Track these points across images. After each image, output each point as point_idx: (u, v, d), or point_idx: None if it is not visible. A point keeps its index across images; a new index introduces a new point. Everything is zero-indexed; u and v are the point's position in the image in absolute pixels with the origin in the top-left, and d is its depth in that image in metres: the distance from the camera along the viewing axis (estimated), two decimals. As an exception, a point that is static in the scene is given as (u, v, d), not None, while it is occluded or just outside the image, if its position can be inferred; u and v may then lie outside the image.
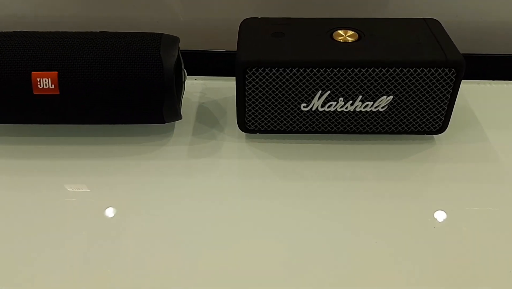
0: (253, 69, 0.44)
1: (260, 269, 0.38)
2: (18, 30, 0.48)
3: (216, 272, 0.37)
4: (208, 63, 0.63)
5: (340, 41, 0.46)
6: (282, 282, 0.37)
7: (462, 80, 0.44)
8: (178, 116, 0.48)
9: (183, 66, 0.51)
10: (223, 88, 0.56)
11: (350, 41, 0.46)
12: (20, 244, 0.39)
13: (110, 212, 0.42)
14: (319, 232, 0.40)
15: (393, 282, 0.37)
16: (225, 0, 0.61)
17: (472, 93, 0.55)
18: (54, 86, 0.44)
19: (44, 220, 0.41)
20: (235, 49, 0.46)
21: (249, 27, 0.48)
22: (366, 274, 0.37)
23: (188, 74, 0.53)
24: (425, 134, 0.48)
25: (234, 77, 0.45)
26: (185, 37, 0.66)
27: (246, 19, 0.50)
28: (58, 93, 0.44)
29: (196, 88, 0.57)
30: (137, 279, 0.37)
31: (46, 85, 0.44)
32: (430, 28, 0.48)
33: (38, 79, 0.44)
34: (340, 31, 0.47)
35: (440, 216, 0.42)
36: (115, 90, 0.44)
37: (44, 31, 0.47)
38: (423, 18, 0.49)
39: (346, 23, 0.48)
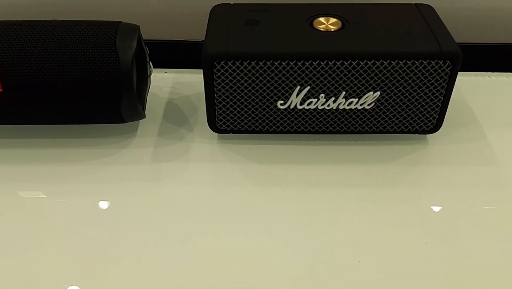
0: (222, 63, 0.38)
1: (233, 281, 0.33)
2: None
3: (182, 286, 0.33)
4: (181, 54, 0.58)
5: (321, 30, 0.40)
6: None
7: (458, 73, 0.39)
8: (140, 115, 0.43)
9: (148, 59, 0.45)
10: (196, 82, 0.51)
11: (332, 30, 0.40)
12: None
13: (65, 223, 0.37)
14: (298, 242, 0.36)
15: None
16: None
17: (469, 86, 0.50)
18: (-4, 82, 0.39)
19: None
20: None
21: (219, 14, 0.43)
22: (352, 284, 0.33)
23: (158, 67, 0.47)
24: (417, 134, 0.43)
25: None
26: (157, 26, 0.61)
27: (216, 5, 0.44)
28: (1, 91, 0.39)
29: (166, 82, 0.51)
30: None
31: (-14, 82, 0.39)
32: (423, 15, 0.42)
33: (-23, 75, 0.38)
34: (322, 19, 0.41)
35: (433, 225, 0.37)
36: (65, 87, 0.39)
37: (-13, 21, 0.42)
38: (415, 4, 0.44)
39: (328, 10, 0.43)
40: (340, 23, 0.41)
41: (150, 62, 0.46)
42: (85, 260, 0.35)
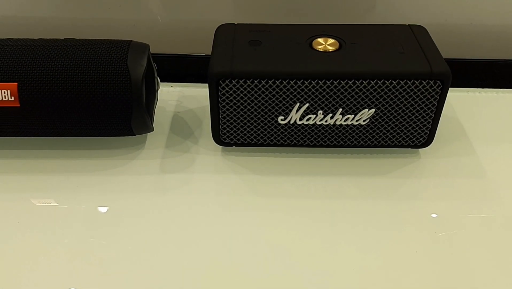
0: (227, 81, 0.41)
1: (234, 287, 0.35)
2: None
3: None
4: (186, 68, 0.60)
5: (320, 51, 0.43)
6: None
7: (450, 88, 0.42)
8: (149, 129, 0.45)
9: (155, 74, 0.48)
10: (201, 96, 0.54)
11: (330, 50, 0.43)
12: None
13: (77, 231, 0.40)
14: (295, 249, 0.38)
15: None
16: (206, 1, 0.58)
17: (460, 102, 0.53)
18: (14, 98, 0.41)
19: (8, 237, 0.39)
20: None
21: (224, 34, 0.46)
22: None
23: (164, 81, 0.50)
24: (409, 148, 0.46)
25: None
26: (163, 40, 0.63)
27: (221, 25, 0.47)
28: (18, 105, 0.41)
29: (172, 96, 0.54)
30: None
31: (5, 97, 0.41)
32: (416, 36, 0.45)
33: (-3, 91, 0.41)
34: (320, 39, 0.44)
35: (424, 234, 0.39)
36: (79, 103, 0.41)
37: (4, 38, 0.44)
38: (409, 25, 0.47)
39: (327, 30, 0.45)
40: (338, 43, 0.44)
41: (158, 77, 0.48)
42: (95, 264, 0.37)
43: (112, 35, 0.61)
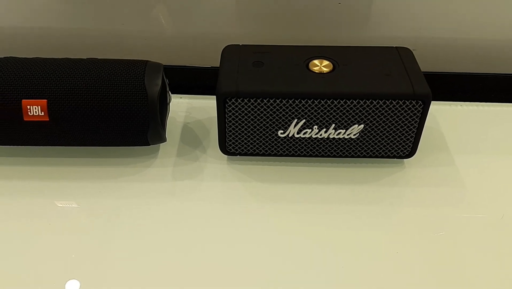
0: (233, 99, 0.46)
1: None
2: (8, 54, 0.50)
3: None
4: (194, 80, 0.65)
5: (316, 72, 0.48)
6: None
7: (434, 102, 0.47)
8: (163, 140, 0.50)
9: (167, 89, 0.53)
10: (207, 107, 0.59)
11: (325, 71, 0.48)
12: (8, 263, 0.42)
13: (98, 232, 0.45)
14: (293, 249, 0.44)
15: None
16: (212, 15, 0.63)
17: (443, 115, 0.58)
18: (44, 113, 0.46)
19: (31, 240, 0.44)
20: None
21: (230, 55, 0.51)
22: (337, 284, 0.41)
23: (173, 92, 0.55)
24: (395, 159, 0.51)
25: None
26: (172, 52, 0.68)
27: (227, 46, 0.52)
28: (48, 120, 0.47)
29: (181, 107, 0.59)
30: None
31: (36, 113, 0.46)
32: (402, 58, 0.50)
33: (28, 107, 0.46)
34: (316, 61, 0.49)
35: (405, 237, 0.45)
36: (101, 118, 0.47)
37: (34, 58, 0.49)
38: (396, 47, 0.52)
39: (322, 52, 0.50)
40: (332, 65, 0.49)
41: (170, 91, 0.53)
42: (110, 264, 0.43)
43: (124, 47, 0.66)
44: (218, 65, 0.50)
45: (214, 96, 0.47)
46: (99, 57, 0.51)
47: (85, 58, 0.50)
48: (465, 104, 0.60)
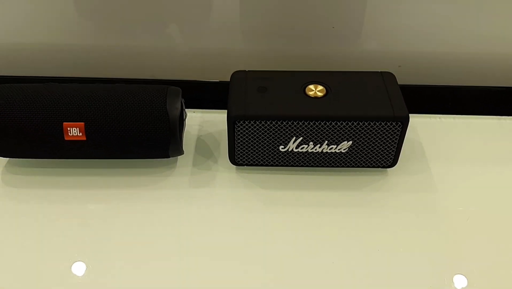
0: (241, 121, 0.55)
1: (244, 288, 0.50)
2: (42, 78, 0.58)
3: None
4: (205, 94, 0.74)
5: (311, 96, 0.56)
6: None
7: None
8: (181, 153, 0.59)
9: (184, 107, 0.61)
10: (218, 120, 0.67)
11: (319, 96, 0.57)
12: (27, 265, 0.51)
13: (124, 235, 0.54)
14: (296, 249, 0.52)
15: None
16: (222, 32, 0.72)
17: (423, 127, 0.66)
18: (82, 134, 0.55)
19: (59, 243, 0.53)
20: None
21: (238, 80, 0.59)
22: (329, 277, 0.50)
23: (186, 107, 0.63)
24: (379, 168, 0.60)
25: (226, 110, 0.56)
26: (184, 66, 0.76)
27: (235, 72, 0.60)
28: (85, 139, 0.55)
29: (195, 121, 0.68)
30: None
31: (75, 133, 0.55)
32: (385, 82, 0.58)
33: (69, 128, 0.55)
34: (311, 86, 0.58)
35: (386, 236, 0.54)
36: (130, 137, 0.55)
37: (72, 84, 0.57)
38: (381, 72, 0.60)
39: (317, 77, 0.59)
40: (325, 90, 0.57)
41: (185, 109, 0.62)
42: (133, 260, 0.51)
43: (139, 62, 0.74)
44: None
45: (223, 110, 0.56)
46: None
47: (116, 84, 0.58)
48: (444, 117, 0.68)
